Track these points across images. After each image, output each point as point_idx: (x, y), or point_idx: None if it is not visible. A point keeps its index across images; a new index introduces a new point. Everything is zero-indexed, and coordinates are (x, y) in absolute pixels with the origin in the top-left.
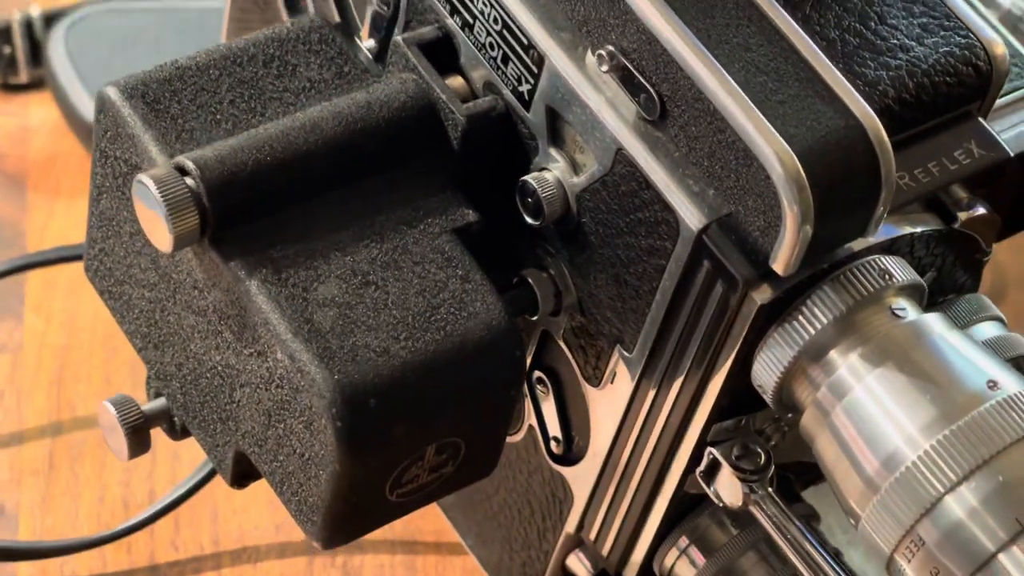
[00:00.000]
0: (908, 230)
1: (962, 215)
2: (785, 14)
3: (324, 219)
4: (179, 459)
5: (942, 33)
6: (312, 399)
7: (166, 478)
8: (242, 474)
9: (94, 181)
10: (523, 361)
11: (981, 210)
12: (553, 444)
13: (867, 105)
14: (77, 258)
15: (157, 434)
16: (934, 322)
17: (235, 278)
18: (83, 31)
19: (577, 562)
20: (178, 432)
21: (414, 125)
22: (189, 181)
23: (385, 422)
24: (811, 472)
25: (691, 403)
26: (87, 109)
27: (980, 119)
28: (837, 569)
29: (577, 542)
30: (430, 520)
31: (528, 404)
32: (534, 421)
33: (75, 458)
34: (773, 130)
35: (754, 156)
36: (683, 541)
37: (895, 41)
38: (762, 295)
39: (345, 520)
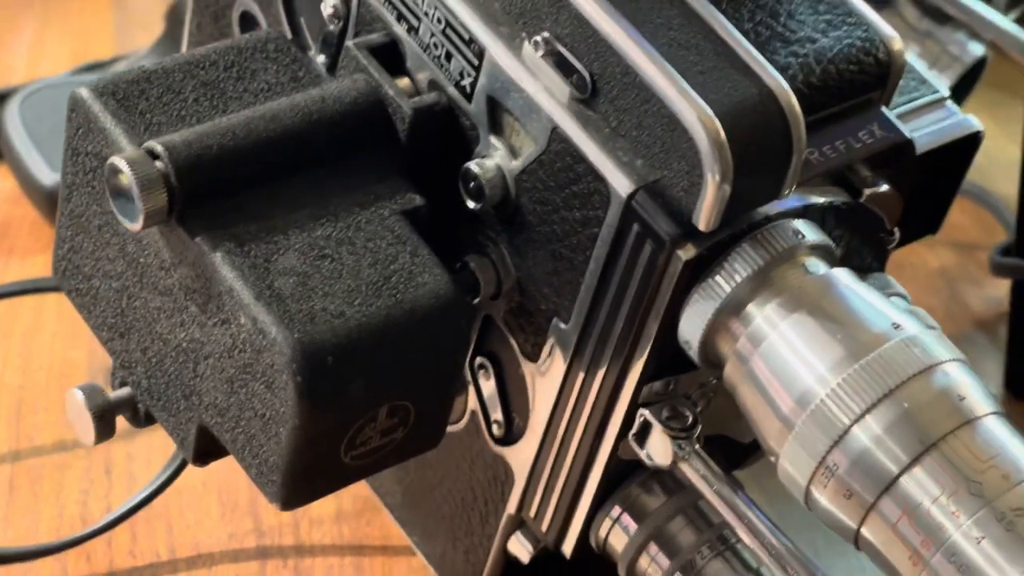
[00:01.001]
0: (818, 200)
1: (867, 191)
2: (705, 0)
3: (283, 201)
4: (135, 479)
5: (845, 28)
6: (274, 357)
7: (122, 497)
8: (204, 451)
9: (64, 181)
10: (468, 328)
11: (885, 187)
12: (495, 427)
13: (779, 76)
14: (35, 291)
15: (112, 459)
16: (842, 275)
17: (201, 251)
18: (37, 103)
19: (517, 544)
20: (141, 419)
21: (365, 118)
22: (158, 163)
23: (341, 379)
24: (736, 452)
25: (624, 365)
26: (43, 175)
27: (882, 107)
28: (762, 518)
29: (518, 523)
30: (377, 526)
31: (470, 391)
32: (476, 406)
33: (35, 480)
34: (695, 95)
35: (678, 120)
36: (616, 510)
37: (803, 33)
38: (687, 252)
39: (303, 479)
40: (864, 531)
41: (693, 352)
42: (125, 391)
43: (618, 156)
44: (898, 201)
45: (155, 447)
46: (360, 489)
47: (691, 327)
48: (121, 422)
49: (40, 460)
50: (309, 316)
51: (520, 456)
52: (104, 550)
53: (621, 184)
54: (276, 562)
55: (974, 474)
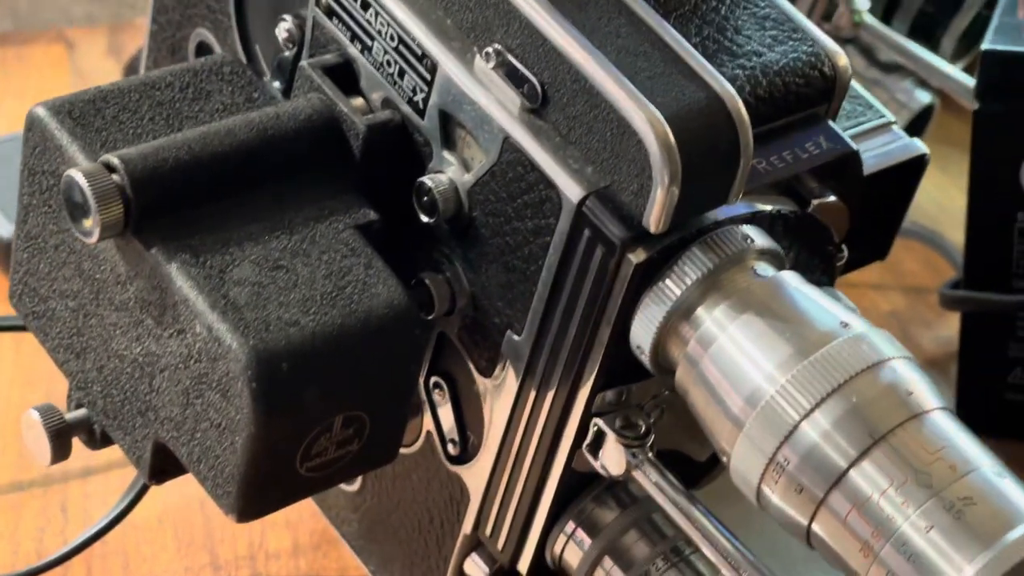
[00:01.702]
0: (766, 208)
1: (814, 201)
2: (652, 10)
3: (238, 215)
4: (91, 516)
5: (791, 43)
6: (229, 365)
7: (78, 534)
8: (160, 468)
9: (21, 202)
10: (422, 339)
11: (832, 197)
12: (450, 446)
13: (726, 82)
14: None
15: (69, 497)
16: (791, 278)
17: (156, 263)
18: None
19: (473, 565)
20: (97, 440)
21: (319, 135)
22: (115, 176)
23: (296, 386)
24: (692, 470)
25: (577, 374)
26: (1, 228)
27: (828, 120)
28: (717, 525)
29: (474, 543)
30: (334, 559)
31: (425, 412)
32: (431, 427)
33: None
34: (644, 99)
35: (627, 124)
36: (570, 526)
37: (749, 48)
38: (637, 256)
39: (258, 490)
40: (815, 527)
41: (645, 357)
42: (81, 412)
43: (568, 164)
44: (845, 214)
45: (111, 486)
46: (317, 522)
47: (643, 332)
48: (78, 456)
49: None
50: (264, 324)
51: (475, 473)
52: None
53: (572, 190)
54: None
55: (922, 465)
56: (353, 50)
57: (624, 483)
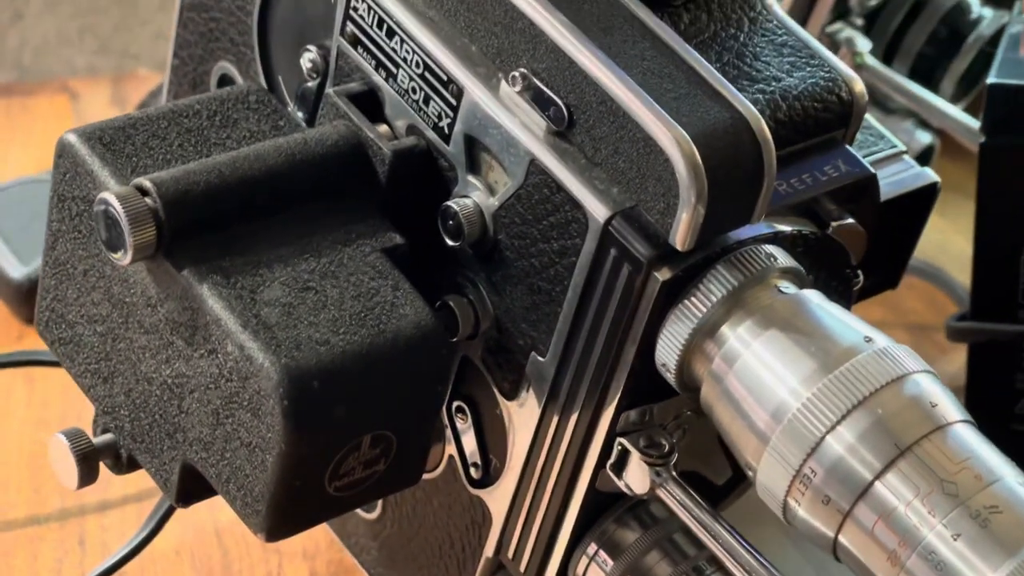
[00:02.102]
0: (787, 228)
1: (833, 223)
2: (675, 35)
3: (267, 238)
4: (108, 549)
5: (808, 68)
6: (260, 383)
7: (95, 566)
8: (187, 491)
9: (50, 229)
10: (449, 359)
11: (850, 220)
12: (472, 470)
13: (749, 104)
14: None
15: (86, 531)
16: (813, 295)
17: (188, 284)
18: (6, 201)
19: None
20: (124, 465)
21: (346, 160)
22: (147, 200)
23: (327, 404)
24: (711, 493)
25: (602, 393)
26: (12, 268)
27: (846, 145)
28: (741, 542)
29: (496, 567)
30: None
31: (448, 437)
32: (454, 451)
33: (7, 552)
34: (670, 118)
35: (654, 143)
36: (592, 548)
37: (768, 73)
38: (663, 274)
39: (287, 509)
40: (842, 538)
41: (671, 375)
42: (107, 437)
43: (595, 184)
44: (863, 237)
45: (128, 519)
46: (334, 553)
47: (668, 350)
48: (94, 491)
49: (13, 534)
50: (295, 343)
51: (498, 497)
52: None
53: (598, 210)
54: None
55: (948, 475)
56: (378, 78)
57: (645, 504)
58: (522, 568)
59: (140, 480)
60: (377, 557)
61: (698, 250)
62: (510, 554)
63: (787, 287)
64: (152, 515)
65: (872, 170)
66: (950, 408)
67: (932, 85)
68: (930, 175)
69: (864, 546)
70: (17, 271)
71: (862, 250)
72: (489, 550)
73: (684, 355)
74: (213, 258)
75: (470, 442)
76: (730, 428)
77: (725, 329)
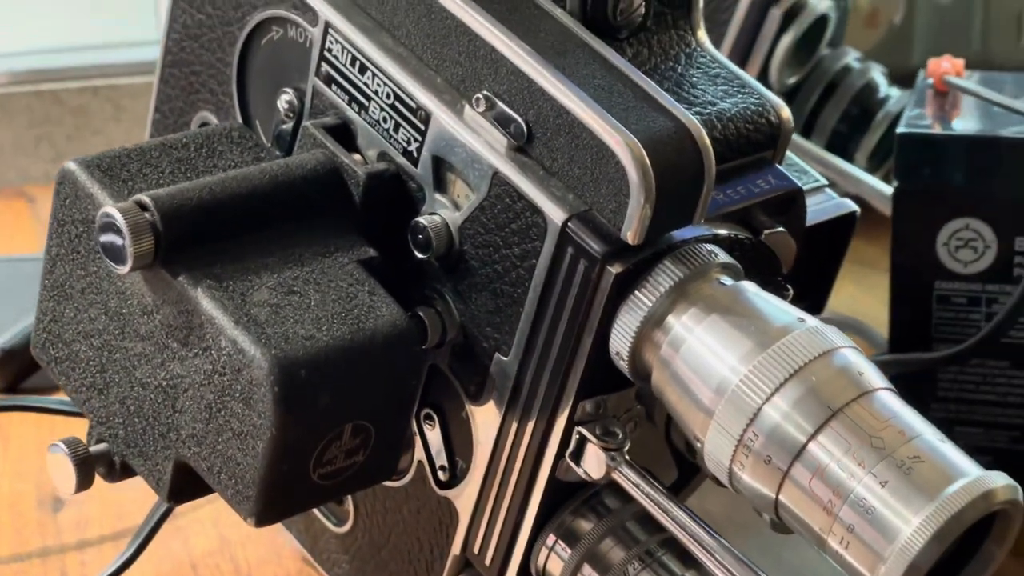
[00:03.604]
0: (725, 232)
1: (765, 231)
2: (622, 59)
3: (254, 249)
4: None
5: (740, 95)
6: (253, 373)
7: None
8: (179, 488)
9: (49, 255)
10: (422, 355)
11: (780, 228)
12: (440, 473)
13: (691, 116)
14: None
15: (67, 566)
16: (750, 286)
17: (183, 289)
18: None
19: None
20: (117, 472)
21: (323, 183)
22: (147, 214)
23: (313, 391)
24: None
25: (561, 384)
26: None
27: (775, 164)
28: (691, 515)
29: (462, 565)
30: None
31: (416, 444)
32: (422, 456)
33: None
34: (621, 126)
35: (606, 148)
36: (551, 539)
37: (704, 98)
38: (616, 268)
39: (276, 494)
40: (782, 497)
41: (624, 363)
42: (102, 446)
43: (552, 192)
44: (792, 247)
45: (106, 555)
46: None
47: (621, 339)
48: (72, 531)
49: None
50: (283, 338)
51: (464, 495)
52: None
53: (556, 214)
54: None
55: (875, 432)
56: (351, 112)
57: (600, 496)
58: (487, 561)
59: (116, 522)
60: (348, 570)
61: (646, 247)
62: (476, 549)
63: (726, 280)
64: (131, 543)
65: (799, 184)
66: (875, 377)
67: (846, 160)
68: (850, 205)
69: (802, 502)
70: None
71: (791, 260)
72: (456, 548)
73: (635, 344)
74: (206, 266)
75: (438, 446)
76: (679, 407)
77: (671, 319)
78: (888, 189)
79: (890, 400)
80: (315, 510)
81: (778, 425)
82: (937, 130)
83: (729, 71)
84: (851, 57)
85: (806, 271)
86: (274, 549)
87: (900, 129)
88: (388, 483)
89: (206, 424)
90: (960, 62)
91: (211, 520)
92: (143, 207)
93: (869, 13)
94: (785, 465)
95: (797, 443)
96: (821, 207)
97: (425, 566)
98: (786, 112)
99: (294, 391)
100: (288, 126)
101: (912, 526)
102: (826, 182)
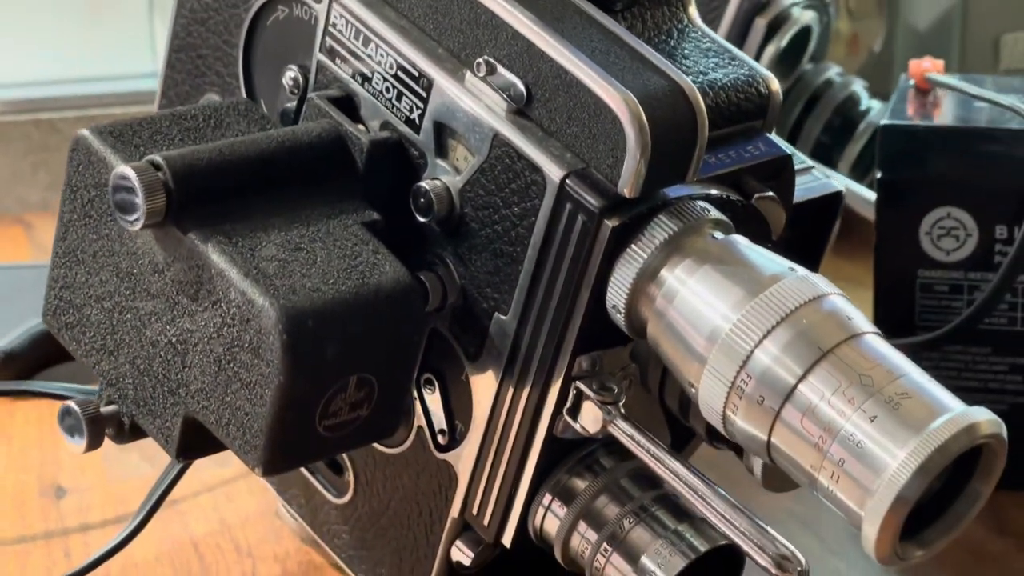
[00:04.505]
0: (717, 192)
1: (756, 195)
2: (618, 25)
3: (261, 210)
4: None
5: (730, 67)
6: (261, 322)
7: None
8: (187, 445)
9: (61, 221)
10: (424, 312)
11: (770, 193)
12: (439, 437)
13: (685, 76)
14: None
15: (71, 545)
16: (741, 239)
17: (193, 245)
18: None
19: (459, 551)
20: (126, 433)
21: (328, 150)
22: (159, 173)
23: (319, 341)
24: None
25: (559, 339)
26: None
27: (765, 132)
28: (686, 464)
29: (461, 527)
30: None
31: (417, 411)
32: (422, 422)
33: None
34: (618, 83)
35: (603, 105)
36: (547, 498)
37: (697, 68)
38: (613, 221)
39: (283, 443)
40: (774, 439)
41: (621, 316)
42: (111, 408)
43: (551, 151)
44: (781, 213)
45: (109, 536)
46: (303, 556)
47: (618, 292)
48: (75, 514)
49: (2, 550)
50: (291, 289)
51: (464, 456)
52: None
53: (554, 171)
54: None
55: (864, 371)
56: (354, 85)
57: (595, 455)
58: (485, 522)
59: (119, 506)
60: (348, 540)
61: (642, 202)
62: (474, 510)
63: (718, 234)
64: (133, 518)
65: (789, 151)
66: (863, 321)
67: (830, 169)
68: (835, 185)
69: (793, 442)
70: None
71: (781, 226)
72: (455, 510)
73: (631, 297)
74: (216, 223)
75: (437, 411)
76: (673, 357)
77: (665, 272)
78: (871, 195)
79: (878, 343)
80: (315, 482)
81: (769, 368)
82: (919, 122)
83: (720, 45)
84: (833, 71)
85: (792, 252)
86: (273, 530)
87: (883, 121)
88: (388, 450)
89: (215, 377)
90: (940, 63)
91: (211, 506)
92: (156, 167)
93: (850, 39)
94: (776, 406)
95: (787, 384)
96: (807, 187)
97: (424, 530)
98: (775, 84)
99: (301, 340)
100: (292, 104)
101: (898, 459)
102: (812, 164)
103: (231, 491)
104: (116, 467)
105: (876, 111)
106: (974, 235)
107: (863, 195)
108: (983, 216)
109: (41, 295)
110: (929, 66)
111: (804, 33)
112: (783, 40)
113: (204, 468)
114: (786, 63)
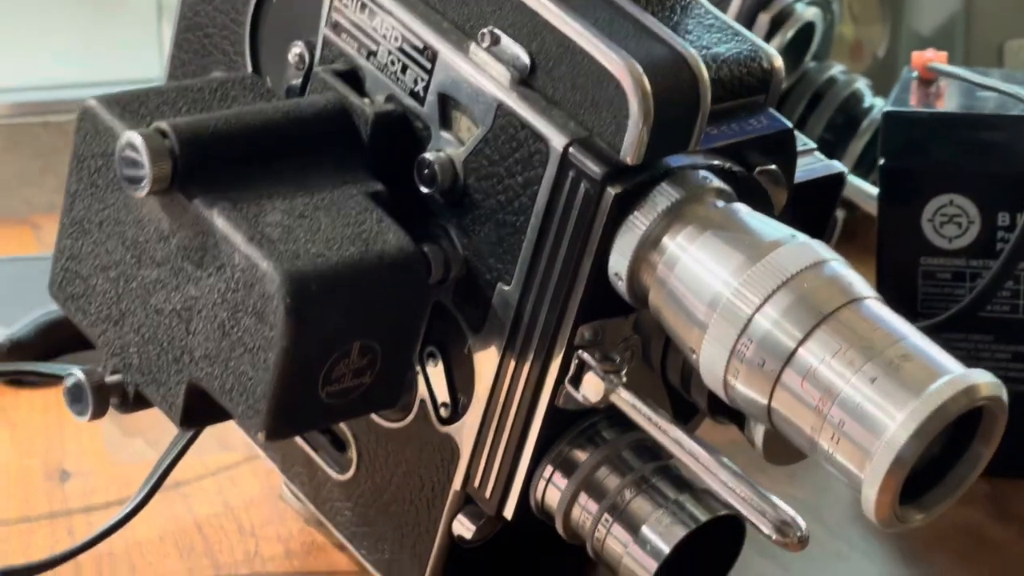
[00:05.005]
0: (719, 162)
1: (759, 167)
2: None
3: (266, 178)
4: None
5: (734, 42)
6: (265, 286)
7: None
8: (191, 412)
9: (68, 192)
10: (427, 281)
11: (772, 166)
12: (442, 410)
13: (688, 46)
14: None
15: (74, 524)
16: (742, 207)
17: (198, 211)
18: None
19: (460, 525)
20: (130, 402)
21: (334, 122)
22: (166, 141)
23: (322, 305)
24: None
25: (562, 308)
26: None
27: (767, 107)
28: (688, 432)
29: (463, 501)
30: (323, 561)
31: (420, 384)
32: (425, 395)
33: (2, 541)
34: (622, 51)
35: (606, 72)
36: (548, 470)
37: (700, 43)
38: (615, 188)
39: (286, 408)
40: (774, 404)
41: (623, 284)
42: (116, 377)
43: (554, 119)
44: (783, 186)
45: (114, 516)
46: (306, 536)
47: (620, 259)
48: (79, 496)
49: (7, 529)
50: (295, 254)
51: (466, 428)
52: None
53: (557, 140)
54: None
55: (865, 333)
56: (360, 59)
57: (596, 427)
58: (487, 494)
59: (123, 489)
60: (351, 517)
61: (644, 170)
62: (476, 483)
63: (720, 203)
64: (135, 497)
65: (790, 125)
66: (863, 286)
67: None
68: (837, 166)
69: (793, 406)
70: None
71: (782, 201)
72: (457, 484)
73: (633, 264)
74: (221, 190)
75: (440, 384)
76: (675, 324)
77: (666, 239)
78: (874, 190)
79: (879, 307)
80: (318, 459)
81: (769, 332)
82: (922, 109)
83: (723, 22)
84: (836, 69)
85: (797, 226)
86: (277, 512)
87: (886, 108)
88: (391, 424)
89: (219, 343)
90: (944, 54)
91: (215, 489)
92: (163, 134)
93: (853, 46)
94: (777, 370)
95: (787, 348)
96: (810, 168)
97: (426, 505)
98: (778, 61)
99: (304, 303)
100: (298, 81)
101: (897, 421)
102: (814, 145)
103: (235, 475)
104: (120, 452)
105: (879, 108)
106: (976, 222)
107: (867, 191)
108: (985, 203)
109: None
110: (932, 56)
111: (807, 30)
112: (786, 36)
113: (208, 452)
114: (789, 60)
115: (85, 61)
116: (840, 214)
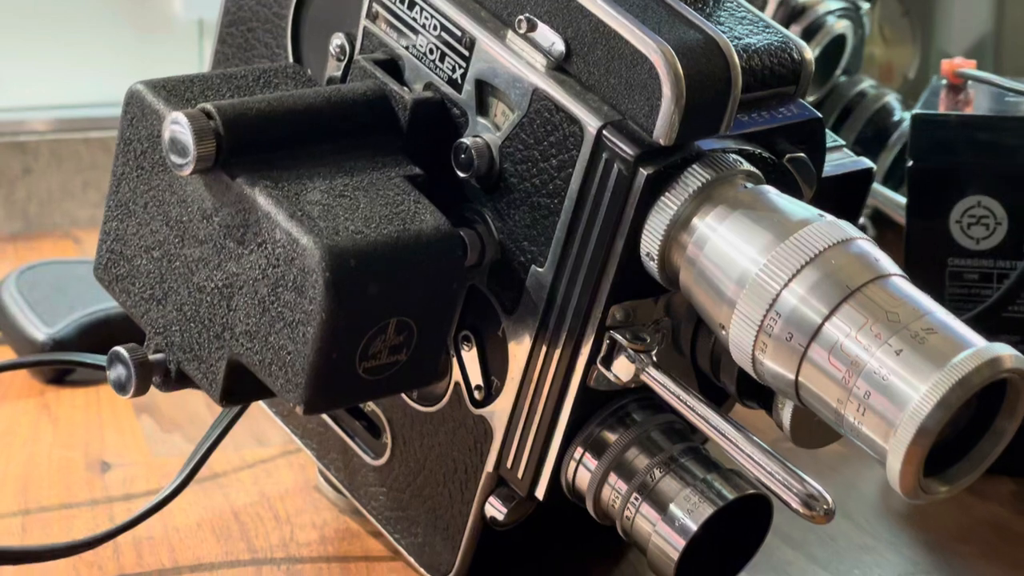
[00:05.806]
0: (750, 148)
1: (788, 155)
2: None
3: (307, 160)
4: None
5: (765, 34)
6: (306, 261)
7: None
8: (231, 389)
9: (114, 175)
10: (463, 261)
11: (801, 154)
12: (476, 392)
13: (720, 31)
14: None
15: (115, 512)
16: (771, 189)
17: (241, 189)
18: (33, 277)
19: (493, 508)
20: (172, 381)
21: (373, 108)
22: (211, 121)
23: (361, 280)
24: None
25: (594, 288)
26: (36, 332)
27: (797, 98)
28: (717, 411)
29: (495, 483)
30: (358, 546)
31: (454, 367)
32: (459, 378)
33: (45, 524)
34: (655, 35)
35: (640, 55)
36: (578, 451)
37: (733, 34)
38: (648, 169)
39: (324, 382)
40: (801, 379)
41: (654, 264)
42: (159, 356)
43: (589, 103)
44: (812, 175)
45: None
46: (340, 523)
47: (651, 240)
48: (119, 486)
49: (48, 515)
50: (334, 230)
51: (498, 410)
52: (113, 561)
53: (591, 122)
54: (271, 568)
55: (891, 308)
56: (399, 48)
57: (626, 408)
58: (519, 475)
59: (162, 479)
60: (385, 502)
61: (676, 152)
62: (509, 464)
63: (749, 185)
64: (173, 481)
65: (819, 115)
66: (889, 264)
67: None
68: (866, 162)
69: (820, 380)
70: (41, 333)
71: (811, 190)
72: (489, 465)
73: (664, 245)
74: (263, 170)
75: (474, 367)
76: (705, 303)
77: (696, 220)
78: (902, 199)
79: (904, 284)
80: (353, 445)
81: (796, 307)
82: (950, 111)
83: (754, 15)
84: (866, 83)
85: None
86: (311, 502)
87: (915, 110)
88: (425, 408)
89: (259, 318)
90: (973, 62)
91: (251, 480)
92: (207, 115)
93: (884, 67)
94: (804, 344)
95: (814, 322)
96: (839, 163)
97: (460, 487)
98: (809, 53)
99: (344, 278)
100: (339, 72)
101: (920, 392)
102: (843, 142)
103: (271, 467)
104: (159, 446)
105: (908, 122)
106: (1004, 223)
107: (896, 200)
108: (1013, 205)
109: (88, 288)
110: (961, 63)
111: (838, 43)
112: (817, 49)
113: (245, 446)
114: (820, 73)
115: (126, 78)
116: (871, 232)
